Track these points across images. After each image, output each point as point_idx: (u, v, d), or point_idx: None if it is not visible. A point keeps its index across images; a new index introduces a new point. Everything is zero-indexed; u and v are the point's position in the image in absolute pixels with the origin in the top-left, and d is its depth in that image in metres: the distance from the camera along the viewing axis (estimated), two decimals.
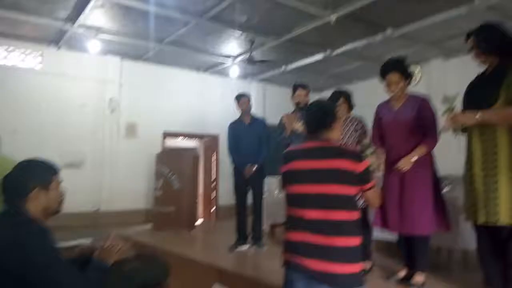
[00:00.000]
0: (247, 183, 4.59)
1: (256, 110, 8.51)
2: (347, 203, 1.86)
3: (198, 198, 7.20)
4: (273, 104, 8.78)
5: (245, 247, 4.53)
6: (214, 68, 8.02)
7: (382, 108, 3.30)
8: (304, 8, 5.05)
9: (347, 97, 3.72)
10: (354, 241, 1.82)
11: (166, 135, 7.83)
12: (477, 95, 2.54)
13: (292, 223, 1.95)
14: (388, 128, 3.18)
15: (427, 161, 3.02)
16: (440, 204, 3.04)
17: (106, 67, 7.19)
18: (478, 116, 2.37)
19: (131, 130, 7.38)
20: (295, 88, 4.20)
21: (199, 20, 5.54)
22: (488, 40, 2.49)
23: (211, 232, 6.71)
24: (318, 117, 2.01)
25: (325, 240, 1.79)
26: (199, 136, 8.55)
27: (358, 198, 1.99)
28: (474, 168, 2.53)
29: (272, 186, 5.47)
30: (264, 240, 4.70)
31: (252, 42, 6.33)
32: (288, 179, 2.00)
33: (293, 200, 1.97)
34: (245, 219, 4.62)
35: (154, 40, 6.39)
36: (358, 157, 1.91)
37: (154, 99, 7.65)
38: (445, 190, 3.53)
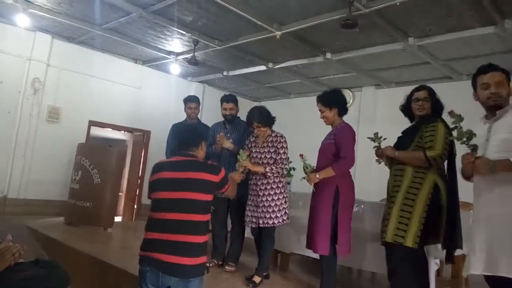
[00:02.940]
0: None
1: None
2: (201, 207, 2.18)
3: (119, 195, 6.86)
4: (211, 107, 8.67)
5: None
6: (154, 62, 7.76)
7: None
8: (252, 19, 5.08)
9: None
10: (202, 238, 2.14)
11: (92, 124, 7.40)
12: (402, 138, 3.05)
13: (152, 224, 2.19)
14: (319, 151, 3.41)
15: (333, 184, 3.18)
16: (342, 228, 3.15)
17: (33, 44, 6.60)
18: (397, 153, 2.90)
19: (53, 114, 6.85)
20: (222, 101, 4.15)
21: (143, 12, 5.33)
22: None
23: (130, 231, 6.42)
24: (188, 136, 2.41)
25: (178, 237, 2.07)
26: (129, 130, 8.21)
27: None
28: (387, 196, 2.98)
29: None
30: None
31: (195, 43, 6.22)
32: (155, 187, 2.26)
33: (157, 205, 2.21)
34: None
35: (91, 23, 6.04)
36: (216, 170, 2.29)
37: (84, 85, 7.18)
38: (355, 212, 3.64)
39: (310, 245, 3.26)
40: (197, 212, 2.14)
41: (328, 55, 6.23)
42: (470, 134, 2.25)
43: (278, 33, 5.38)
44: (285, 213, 3.54)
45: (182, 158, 2.30)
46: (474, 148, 2.26)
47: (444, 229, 2.74)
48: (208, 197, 2.20)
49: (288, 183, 4.85)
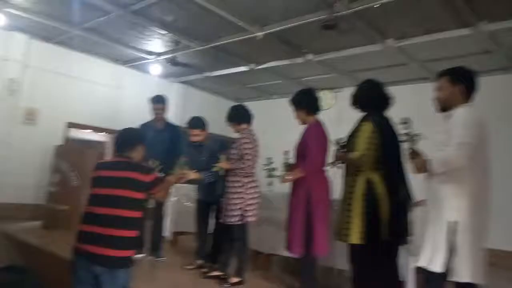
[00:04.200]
0: None
1: (175, 112, 8.37)
2: (132, 204, 2.35)
3: None
4: (193, 108, 8.61)
5: (140, 256, 4.31)
6: (134, 63, 7.65)
7: None
8: (233, 20, 5.07)
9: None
10: (131, 233, 2.32)
11: (71, 126, 7.24)
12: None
13: (87, 218, 2.35)
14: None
15: (305, 184, 3.23)
16: (316, 228, 3.18)
17: (9, 44, 6.43)
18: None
19: (30, 116, 6.69)
20: (188, 128, 4.08)
21: (122, 12, 5.25)
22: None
23: None
24: (124, 139, 2.59)
25: (107, 231, 2.23)
26: (109, 131, 8.06)
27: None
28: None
29: (179, 192, 5.32)
30: (163, 251, 4.50)
31: (176, 43, 6.17)
32: (94, 183, 2.45)
33: (94, 200, 2.38)
34: (143, 226, 4.39)
35: (69, 23, 5.92)
36: (147, 171, 2.48)
37: (62, 85, 7.03)
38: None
39: (286, 245, 3.31)
40: (128, 208, 2.31)
41: (309, 56, 6.27)
42: (412, 137, 2.57)
43: (259, 34, 5.39)
44: (241, 214, 3.46)
45: (119, 159, 2.52)
46: (413, 150, 2.56)
47: (388, 222, 2.77)
48: (139, 195, 2.38)
49: (270, 183, 4.85)
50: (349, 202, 2.89)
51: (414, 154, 2.56)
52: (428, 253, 2.45)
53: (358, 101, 3.09)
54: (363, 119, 2.99)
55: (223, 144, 4.02)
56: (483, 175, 2.49)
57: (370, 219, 2.78)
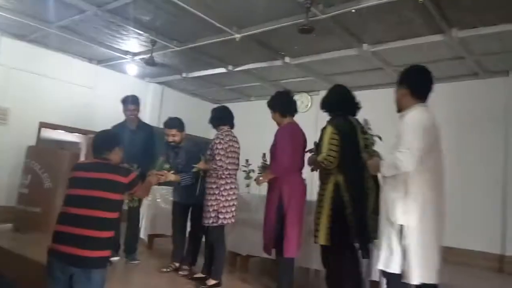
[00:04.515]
0: None
1: (152, 113, 8.28)
2: (109, 205, 2.35)
3: None
4: (170, 109, 8.51)
5: (115, 259, 4.23)
6: (109, 62, 7.51)
7: None
8: (211, 21, 5.05)
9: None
10: (106, 234, 2.32)
11: (43, 125, 7.05)
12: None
13: (63, 218, 2.35)
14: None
15: (277, 186, 3.28)
16: (286, 230, 3.21)
17: None
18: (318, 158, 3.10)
19: (1, 115, 6.47)
20: (164, 127, 4.07)
21: (98, 10, 5.15)
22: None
23: None
24: (101, 142, 2.63)
25: (83, 231, 2.24)
26: (83, 132, 7.89)
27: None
28: None
29: (155, 194, 5.26)
30: (138, 254, 4.43)
31: (153, 44, 6.10)
32: (71, 184, 2.46)
33: (70, 201, 2.38)
34: (118, 228, 4.32)
35: (43, 21, 5.77)
36: (125, 172, 2.50)
37: (35, 84, 6.83)
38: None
39: (262, 247, 3.37)
40: (104, 210, 2.32)
41: (287, 59, 6.32)
42: (369, 139, 2.77)
43: (237, 36, 5.39)
44: (216, 216, 3.46)
45: (97, 160, 2.55)
46: (369, 151, 2.73)
47: (354, 223, 2.86)
48: (116, 196, 2.40)
49: (247, 185, 4.87)
50: (320, 204, 3.00)
51: (370, 156, 2.67)
52: (384, 254, 2.46)
53: (324, 105, 3.25)
54: (327, 123, 3.11)
55: (201, 146, 4.00)
56: (434, 178, 2.47)
57: (335, 221, 2.89)
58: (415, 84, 2.62)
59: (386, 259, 2.43)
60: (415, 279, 2.34)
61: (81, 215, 2.28)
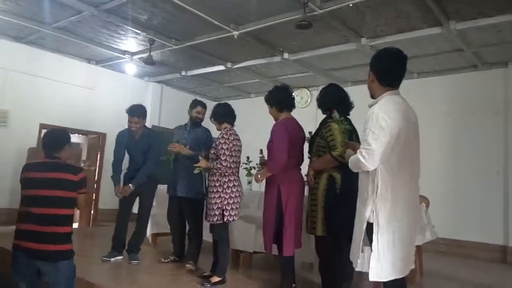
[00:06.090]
0: (134, 191, 4.25)
1: (152, 112, 8.27)
2: (65, 203, 2.52)
3: None
4: (169, 108, 8.57)
5: (118, 258, 4.24)
6: (108, 62, 7.51)
7: None
8: (209, 19, 5.04)
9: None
10: (66, 229, 2.52)
11: (44, 127, 7.05)
12: (311, 138, 3.36)
13: (25, 217, 2.48)
14: None
15: (275, 183, 3.27)
16: (284, 227, 3.20)
17: None
18: (315, 165, 3.18)
19: (1, 118, 6.48)
20: (195, 104, 4.27)
21: (95, 11, 5.14)
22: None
23: (87, 238, 6.20)
24: (51, 141, 2.69)
25: (45, 228, 2.41)
26: (83, 133, 7.91)
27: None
28: None
29: (160, 197, 5.21)
30: (140, 254, 4.38)
31: (151, 42, 6.10)
32: (25, 185, 2.57)
33: (30, 201, 2.51)
34: (125, 228, 4.32)
35: (41, 22, 5.77)
36: (76, 170, 2.63)
37: (34, 86, 6.84)
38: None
39: (263, 244, 3.38)
40: (61, 207, 2.49)
41: (285, 55, 6.31)
42: (344, 135, 2.91)
43: (235, 33, 5.38)
44: (220, 213, 3.46)
45: (47, 160, 2.63)
46: (346, 143, 2.78)
47: (348, 215, 2.69)
48: (71, 194, 2.54)
49: (249, 182, 4.87)
50: (314, 197, 3.08)
51: (346, 148, 2.67)
52: (357, 254, 2.32)
53: (320, 103, 3.30)
54: (328, 120, 3.13)
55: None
56: (405, 172, 2.25)
57: (330, 213, 2.97)
58: (382, 69, 2.34)
59: (361, 258, 2.31)
60: (386, 277, 2.21)
61: (43, 214, 2.43)
